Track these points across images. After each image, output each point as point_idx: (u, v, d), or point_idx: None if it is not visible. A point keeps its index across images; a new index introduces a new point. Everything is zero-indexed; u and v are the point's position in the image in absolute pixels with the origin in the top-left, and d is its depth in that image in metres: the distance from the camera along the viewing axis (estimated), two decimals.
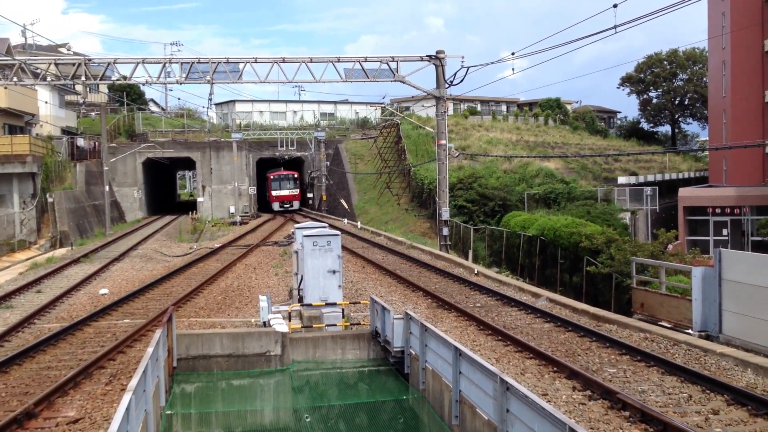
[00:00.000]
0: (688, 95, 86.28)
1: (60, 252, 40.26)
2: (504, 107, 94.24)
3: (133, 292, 24.10)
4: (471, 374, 11.20)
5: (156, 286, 25.84)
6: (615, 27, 22.58)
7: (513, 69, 33.66)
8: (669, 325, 18.33)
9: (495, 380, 9.92)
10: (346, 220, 52.87)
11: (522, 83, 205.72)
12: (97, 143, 60.64)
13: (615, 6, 22.01)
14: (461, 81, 32.49)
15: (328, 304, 17.98)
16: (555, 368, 13.86)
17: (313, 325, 17.51)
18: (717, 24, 51.13)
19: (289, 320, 17.85)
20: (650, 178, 61.41)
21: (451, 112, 73.00)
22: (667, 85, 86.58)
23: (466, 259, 33.82)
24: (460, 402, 11.79)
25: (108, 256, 35.56)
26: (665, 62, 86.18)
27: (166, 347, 14.40)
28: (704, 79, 76.47)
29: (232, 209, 62.42)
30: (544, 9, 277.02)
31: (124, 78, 34.36)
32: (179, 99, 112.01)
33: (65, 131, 63.42)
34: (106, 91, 79.33)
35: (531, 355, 14.87)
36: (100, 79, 34.61)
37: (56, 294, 24.60)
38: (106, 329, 19.04)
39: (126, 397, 9.20)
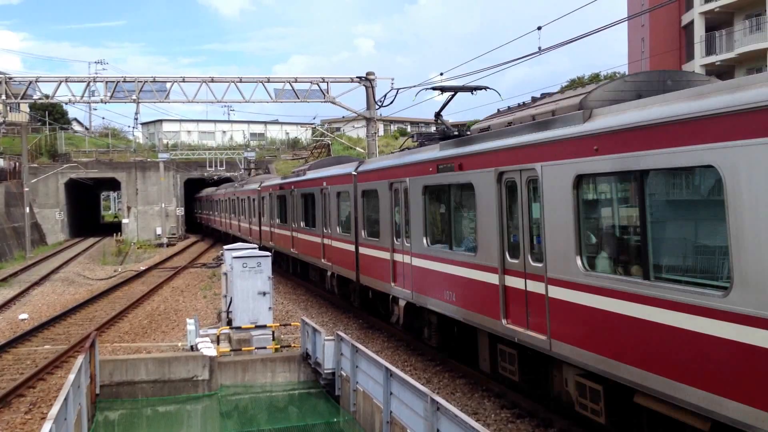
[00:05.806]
0: None
1: None
2: (433, 129, 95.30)
3: (55, 317, 23.40)
4: (402, 395, 11.18)
5: (78, 311, 25.15)
6: (539, 48, 23.11)
7: (441, 90, 34.01)
8: None
9: (425, 400, 9.92)
10: None
11: (450, 105, 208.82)
12: (17, 163, 58.80)
13: (539, 28, 22.55)
14: (391, 102, 32.87)
15: (257, 327, 17.74)
16: (485, 387, 13.99)
17: (243, 348, 17.24)
18: (637, 49, 52.96)
19: (218, 344, 17.54)
20: None
21: (381, 133, 73.51)
22: None
23: None
24: (391, 423, 11.75)
25: (28, 280, 34.47)
26: (588, 86, 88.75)
27: (88, 374, 13.96)
28: None
29: (159, 231, 61.22)
30: (471, 32, 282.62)
31: (47, 97, 33.46)
32: (104, 118, 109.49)
33: None
34: (28, 110, 77.12)
35: (461, 374, 14.97)
36: (21, 98, 33.68)
37: None
38: (25, 356, 18.43)
39: (46, 426, 8.90)
